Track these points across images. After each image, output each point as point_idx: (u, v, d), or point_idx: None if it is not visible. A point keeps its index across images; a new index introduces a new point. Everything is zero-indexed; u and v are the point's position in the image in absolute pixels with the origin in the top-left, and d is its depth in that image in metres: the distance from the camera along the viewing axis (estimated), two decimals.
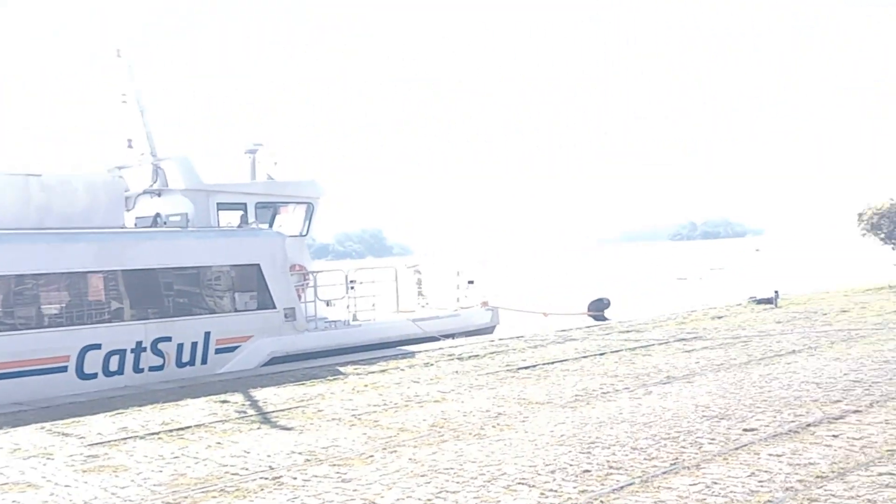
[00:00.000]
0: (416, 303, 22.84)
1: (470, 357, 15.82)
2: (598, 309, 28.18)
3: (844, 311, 20.49)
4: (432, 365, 15.12)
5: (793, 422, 8.99)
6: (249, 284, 17.25)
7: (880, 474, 6.88)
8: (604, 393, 11.40)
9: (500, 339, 18.84)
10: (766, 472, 7.16)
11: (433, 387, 12.68)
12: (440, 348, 17.53)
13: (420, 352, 17.07)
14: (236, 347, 16.69)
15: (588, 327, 21.45)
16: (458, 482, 7.28)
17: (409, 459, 8.18)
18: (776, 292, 24.07)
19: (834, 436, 8.28)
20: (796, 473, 7.05)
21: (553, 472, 7.49)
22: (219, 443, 9.43)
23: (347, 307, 19.64)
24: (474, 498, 6.83)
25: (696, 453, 7.92)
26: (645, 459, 7.78)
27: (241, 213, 19.00)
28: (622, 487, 6.90)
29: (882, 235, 26.88)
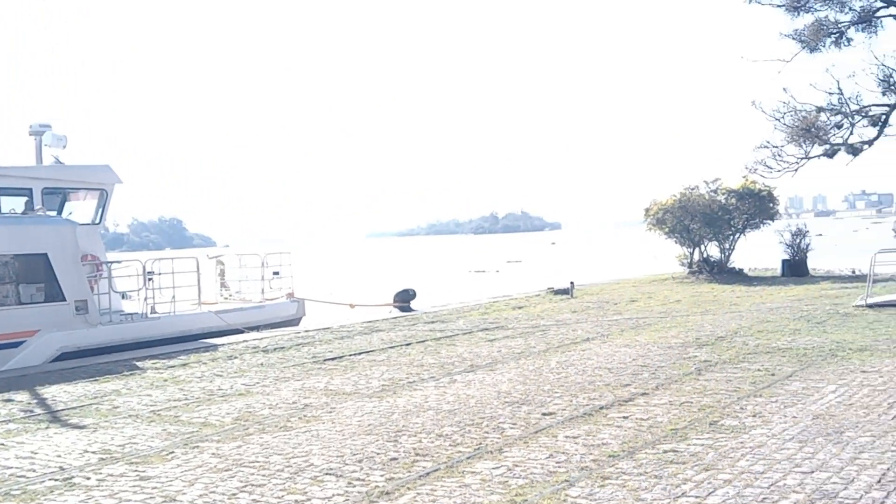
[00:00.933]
0: (219, 294, 22.21)
1: (275, 349, 15.57)
2: (403, 300, 28.47)
3: (633, 301, 21.81)
4: (236, 358, 14.76)
5: (587, 405, 9.46)
6: (36, 275, 16.16)
7: (665, 451, 7.37)
8: (410, 382, 11.54)
9: (307, 331, 18.66)
10: (563, 453, 7.49)
11: (237, 380, 12.38)
12: (244, 341, 17.14)
13: (223, 345, 16.62)
14: (21, 342, 15.60)
15: (394, 318, 21.65)
16: (263, 475, 7.15)
17: (213, 454, 7.94)
18: (572, 283, 25.26)
19: (624, 417, 8.78)
20: (591, 453, 7.42)
21: (360, 461, 7.50)
22: (2, 444, 8.77)
23: (145, 299, 18.80)
24: (281, 490, 6.73)
25: (499, 438, 8.17)
26: (450, 446, 7.95)
27: (25, 199, 17.75)
28: (428, 474, 7.01)
29: (666, 230, 28.76)
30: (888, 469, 6.56)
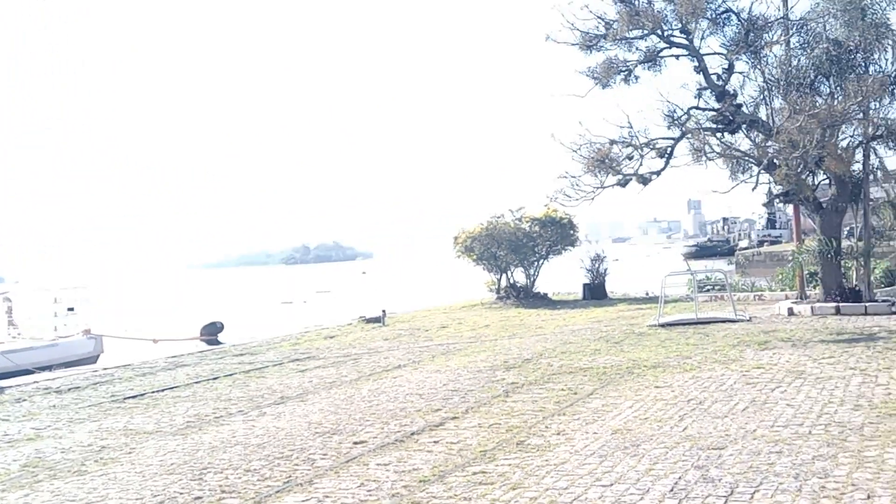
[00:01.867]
0: (6, 333, 20.68)
1: (70, 389, 14.63)
2: (211, 333, 27.63)
3: (444, 327, 22.14)
4: (25, 400, 13.74)
5: (398, 431, 9.47)
6: None
7: (474, 473, 7.47)
8: (217, 417, 11.15)
9: (105, 369, 17.65)
10: (374, 480, 7.44)
11: (26, 424, 11.51)
12: (34, 382, 15.99)
13: (10, 387, 15.43)
14: None
15: (201, 352, 20.91)
16: None
17: None
18: (383, 311, 25.35)
19: (435, 441, 8.85)
20: (402, 479, 7.42)
21: (162, 502, 7.14)
22: None
23: None
24: None
25: (309, 469, 8.02)
26: (258, 480, 7.72)
27: None
28: None
29: (474, 257, 29.46)
30: (679, 478, 6.95)
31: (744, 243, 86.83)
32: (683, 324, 18.22)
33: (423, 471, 7.68)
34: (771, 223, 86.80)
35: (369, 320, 24.96)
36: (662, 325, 18.18)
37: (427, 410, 10.65)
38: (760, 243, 79.72)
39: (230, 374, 15.40)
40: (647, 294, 28.57)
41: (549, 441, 8.56)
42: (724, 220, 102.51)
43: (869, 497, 6.18)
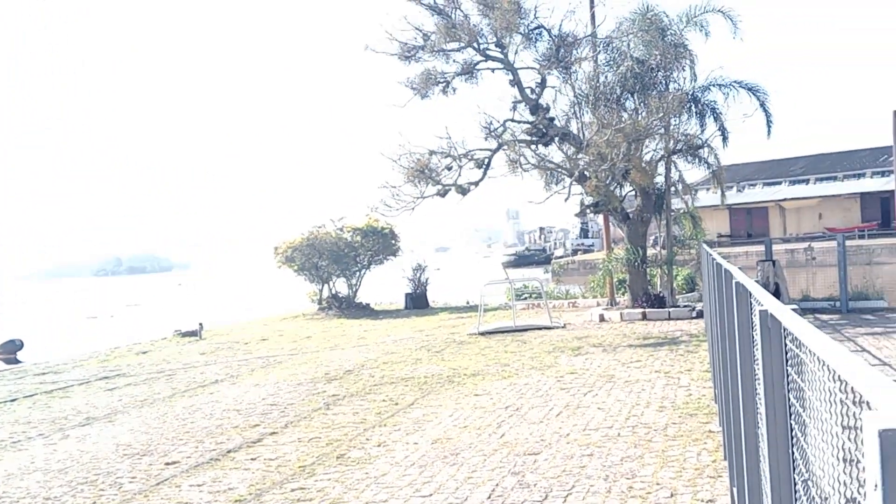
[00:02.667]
0: None
1: None
2: (9, 351, 25.77)
3: (264, 340, 21.64)
4: None
5: (214, 450, 9.13)
6: None
7: (293, 490, 7.30)
8: (14, 442, 10.37)
9: None
10: (186, 503, 7.12)
11: None
12: None
13: None
14: None
15: None
16: None
17: None
18: (200, 324, 24.48)
19: (252, 459, 8.59)
20: (216, 500, 7.14)
21: None
22: None
23: None
24: None
25: (116, 494, 7.58)
26: None
27: None
28: None
29: (295, 267, 29.01)
30: (497, 485, 7.06)
31: (559, 252, 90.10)
32: (502, 332, 18.66)
33: (238, 490, 7.42)
34: (584, 232, 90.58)
35: (185, 334, 24.05)
36: (482, 334, 18.54)
37: (245, 426, 10.34)
38: (575, 252, 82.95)
39: (30, 395, 14.41)
40: (467, 303, 29.09)
41: (369, 453, 8.50)
42: (541, 229, 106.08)
43: (672, 495, 6.49)
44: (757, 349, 2.87)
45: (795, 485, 2.31)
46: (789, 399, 2.35)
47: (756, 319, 2.90)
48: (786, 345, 2.35)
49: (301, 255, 28.33)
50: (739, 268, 5.28)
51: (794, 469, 2.32)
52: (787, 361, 2.36)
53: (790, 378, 2.31)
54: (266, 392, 12.93)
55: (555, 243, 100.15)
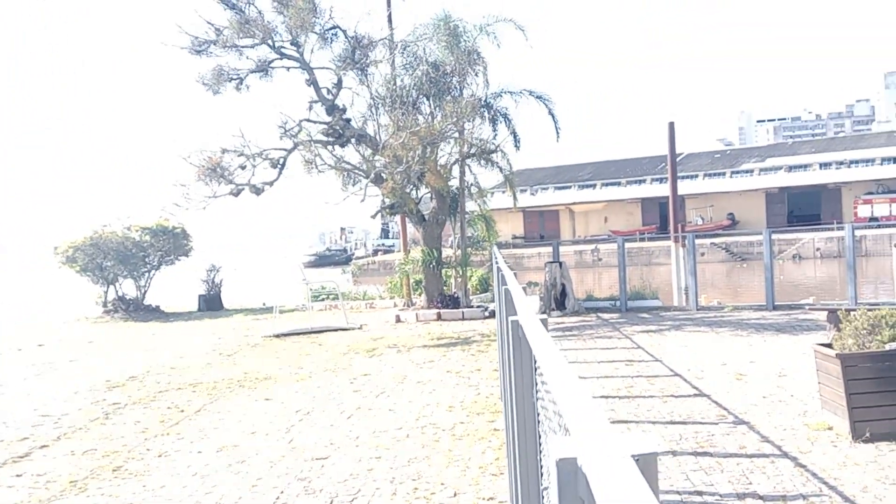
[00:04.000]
0: None
1: None
2: None
3: (41, 346, 20.22)
4: None
5: None
6: None
7: None
8: None
9: None
10: None
11: None
12: None
13: None
14: None
15: None
16: None
17: None
18: None
19: (18, 475, 7.97)
20: None
21: None
22: None
23: None
24: None
25: None
26: None
27: None
28: None
29: (77, 268, 27.36)
30: (282, 492, 6.91)
31: (360, 252, 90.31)
32: (298, 333, 18.40)
33: None
34: (385, 233, 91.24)
35: None
36: (278, 336, 18.20)
37: (12, 440, 9.59)
38: (375, 252, 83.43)
39: None
40: (263, 305, 28.50)
41: (149, 465, 8.10)
42: (342, 229, 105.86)
43: (455, 494, 6.60)
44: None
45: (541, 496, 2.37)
46: (536, 407, 2.41)
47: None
48: (533, 355, 2.41)
49: (84, 256, 26.75)
50: (518, 270, 5.43)
51: (540, 477, 2.38)
52: (535, 370, 2.42)
53: (537, 387, 2.36)
54: (38, 402, 12.06)
55: (356, 244, 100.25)
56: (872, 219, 60.62)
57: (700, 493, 6.24)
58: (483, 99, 19.17)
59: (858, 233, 47.52)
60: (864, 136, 79.14)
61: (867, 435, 7.23)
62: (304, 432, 9.07)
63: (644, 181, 72.94)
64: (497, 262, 7.82)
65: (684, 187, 68.80)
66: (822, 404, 8.03)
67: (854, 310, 8.10)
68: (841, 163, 68.49)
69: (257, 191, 17.84)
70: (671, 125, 22.63)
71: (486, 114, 19.22)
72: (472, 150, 19.50)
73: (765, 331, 14.98)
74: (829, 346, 7.87)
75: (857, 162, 68.19)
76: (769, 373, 10.90)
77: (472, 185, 20.46)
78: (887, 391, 7.27)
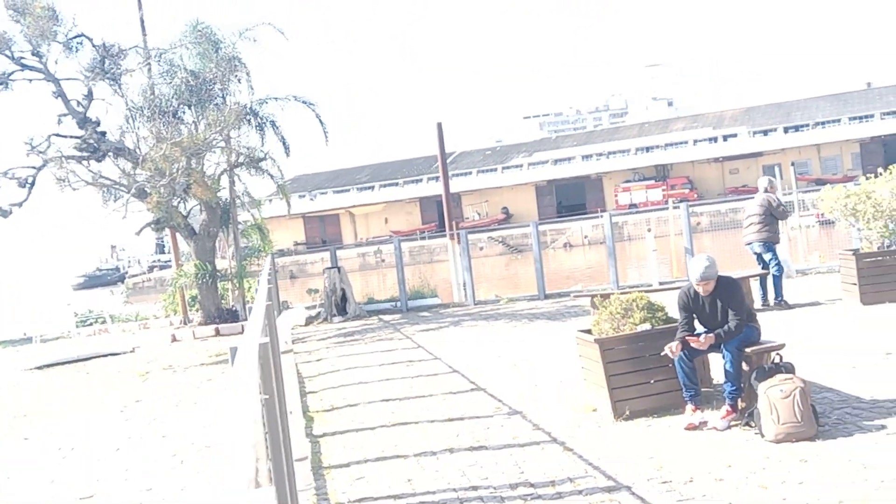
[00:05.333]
0: None
1: None
2: None
3: None
4: None
5: None
6: None
7: None
8: None
9: None
10: None
11: None
12: None
13: None
14: None
15: None
16: None
17: None
18: None
19: None
20: None
21: None
22: None
23: None
24: None
25: None
26: None
27: None
28: None
29: None
30: None
31: (135, 270, 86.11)
32: (64, 363, 17.15)
33: None
34: (161, 248, 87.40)
35: None
36: (40, 368, 16.87)
37: None
38: (151, 269, 79.83)
39: None
40: (24, 335, 26.43)
41: None
42: (112, 247, 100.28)
43: None
44: None
45: None
46: None
47: None
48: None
49: None
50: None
51: None
52: None
53: None
54: None
55: (129, 261, 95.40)
56: (632, 205, 65.14)
57: (475, 488, 6.34)
58: (248, 106, 18.71)
59: (620, 219, 50.88)
60: (620, 129, 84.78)
61: (627, 413, 7.64)
62: (68, 470, 8.42)
63: (421, 181, 74.36)
64: (264, 276, 7.61)
65: (459, 184, 70.95)
66: (587, 387, 8.43)
67: (610, 295, 8.54)
68: (601, 154, 73.02)
69: (4, 213, 16.47)
70: (439, 126, 23.13)
71: (252, 121, 18.76)
72: (241, 159, 18.98)
73: (537, 320, 15.61)
74: (589, 331, 8.26)
75: (614, 153, 72.93)
76: (541, 361, 11.34)
77: (243, 194, 19.93)
78: (641, 370, 7.72)
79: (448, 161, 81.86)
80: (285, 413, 6.46)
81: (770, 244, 13.69)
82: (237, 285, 19.89)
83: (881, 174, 13.03)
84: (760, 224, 13.68)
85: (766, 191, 13.93)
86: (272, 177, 19.81)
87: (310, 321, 19.15)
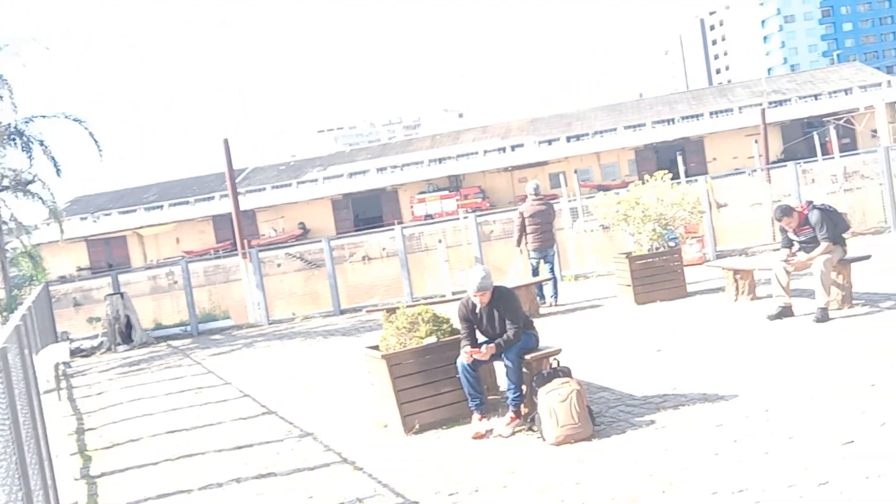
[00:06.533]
0: None
1: None
2: None
3: None
4: None
5: None
6: None
7: None
8: None
9: None
10: None
11: None
12: None
13: None
14: None
15: None
16: None
17: None
18: None
19: None
20: None
21: None
22: None
23: None
24: None
25: None
26: None
27: None
28: None
29: None
30: None
31: None
32: None
33: None
34: None
35: None
36: None
37: None
38: None
39: None
40: None
41: None
42: None
43: None
44: None
45: None
46: None
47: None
48: None
49: None
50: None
51: None
52: None
53: None
54: None
55: None
56: (428, 216, 66.28)
57: None
58: (13, 125, 17.41)
59: (416, 230, 51.56)
60: (413, 141, 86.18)
61: (417, 427, 7.67)
62: None
63: (213, 198, 72.25)
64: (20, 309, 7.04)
65: (253, 201, 69.59)
66: (378, 404, 8.40)
67: (396, 309, 8.56)
68: (395, 166, 73.90)
69: None
70: (226, 142, 22.49)
71: (17, 142, 17.46)
72: (6, 182, 17.62)
73: (332, 336, 15.47)
74: (377, 347, 8.23)
75: (408, 165, 74.03)
76: (334, 379, 11.22)
77: (10, 220, 18.52)
78: (429, 383, 7.77)
79: (241, 177, 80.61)
80: (45, 458, 5.98)
81: (546, 250, 14.32)
82: (6, 318, 18.43)
83: (647, 180, 13.90)
84: (536, 231, 14.28)
85: (535, 194, 14.52)
86: (43, 200, 18.53)
87: (91, 352, 18.05)
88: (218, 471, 7.54)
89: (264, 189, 72.77)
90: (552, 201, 16.93)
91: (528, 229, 14.28)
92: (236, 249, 20.52)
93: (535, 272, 14.46)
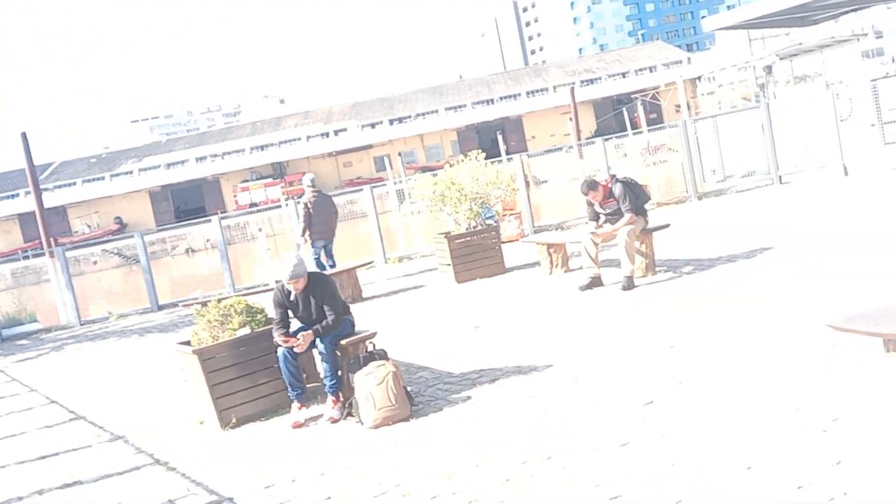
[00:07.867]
0: None
1: None
2: None
3: None
4: None
5: None
6: None
7: None
8: None
9: None
10: None
11: None
12: None
13: None
14: None
15: None
16: None
17: None
18: None
19: None
20: None
21: None
22: None
23: None
24: None
25: None
26: None
27: None
28: None
29: None
30: None
31: None
32: None
33: None
34: None
35: None
36: None
37: None
38: None
39: None
40: None
41: None
42: None
43: None
44: None
45: None
46: None
47: None
48: None
49: None
50: None
51: None
52: None
53: None
54: None
55: None
56: (252, 204, 64.77)
57: None
58: None
59: (241, 219, 50.30)
60: (234, 128, 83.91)
61: (234, 421, 7.47)
62: None
63: (18, 195, 67.81)
64: None
65: (63, 196, 65.90)
66: (193, 400, 8.12)
67: (207, 303, 8.28)
68: (216, 155, 71.77)
69: None
70: (24, 135, 21.08)
71: None
72: None
73: (148, 334, 14.85)
74: (189, 342, 7.94)
75: (230, 153, 72.08)
76: (148, 378, 10.77)
77: None
78: (245, 375, 7.57)
79: (47, 172, 76.20)
80: None
81: (328, 241, 14.70)
82: None
83: (462, 160, 14.11)
84: (320, 223, 14.61)
85: (312, 185, 14.86)
86: None
87: None
88: (19, 484, 7.06)
89: (75, 183, 68.95)
90: (380, 184, 17.14)
91: (314, 220, 14.53)
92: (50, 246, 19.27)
93: (319, 262, 14.63)
